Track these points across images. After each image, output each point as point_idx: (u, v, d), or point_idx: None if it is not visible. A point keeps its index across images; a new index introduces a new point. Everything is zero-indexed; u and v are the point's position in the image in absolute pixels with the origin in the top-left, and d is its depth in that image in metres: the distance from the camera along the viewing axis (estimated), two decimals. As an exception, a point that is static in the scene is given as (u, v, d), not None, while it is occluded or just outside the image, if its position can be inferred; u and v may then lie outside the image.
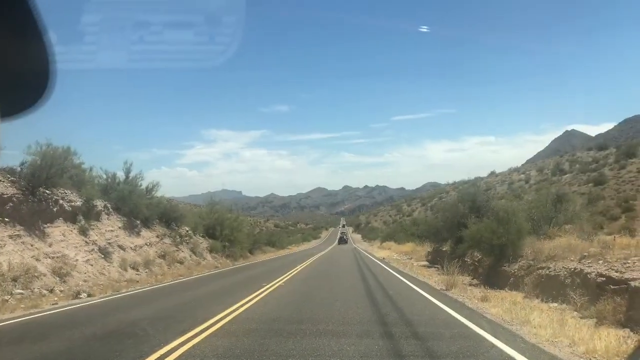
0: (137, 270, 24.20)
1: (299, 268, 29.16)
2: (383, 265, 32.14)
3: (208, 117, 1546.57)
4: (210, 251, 38.53)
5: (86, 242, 22.16)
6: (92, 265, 21.14)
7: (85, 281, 19.13)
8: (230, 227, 43.94)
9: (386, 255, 46.89)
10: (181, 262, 30.46)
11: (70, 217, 22.30)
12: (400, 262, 36.92)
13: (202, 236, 40.23)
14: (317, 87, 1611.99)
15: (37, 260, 17.95)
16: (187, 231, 36.74)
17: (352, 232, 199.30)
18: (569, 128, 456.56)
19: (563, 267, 14.87)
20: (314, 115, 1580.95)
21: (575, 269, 14.02)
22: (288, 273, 24.66)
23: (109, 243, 24.00)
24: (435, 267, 29.29)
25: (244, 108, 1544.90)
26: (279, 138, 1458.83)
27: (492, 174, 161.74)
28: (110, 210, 26.79)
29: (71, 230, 21.83)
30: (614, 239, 17.06)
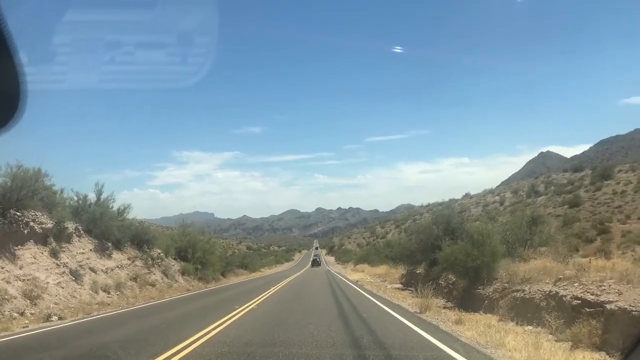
0: (109, 293, 23.81)
1: (272, 290, 28.94)
2: (356, 288, 32.01)
3: (180, 138, 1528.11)
4: (183, 274, 38.09)
5: (57, 264, 21.79)
6: (63, 287, 20.76)
7: (56, 304, 18.79)
8: (202, 249, 43.60)
9: (360, 278, 46.76)
10: (153, 285, 30.04)
11: (41, 239, 21.94)
12: (374, 284, 36.80)
13: (174, 258, 39.78)
14: (290, 109, 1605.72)
15: (8, 282, 17.61)
16: (159, 253, 36.29)
17: (326, 254, 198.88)
18: (544, 149, 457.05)
19: (538, 289, 14.95)
20: (287, 137, 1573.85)
21: (550, 291, 14.10)
22: (261, 296, 24.44)
23: (80, 265, 23.60)
24: (409, 290, 29.24)
25: (216, 129, 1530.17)
26: (251, 159, 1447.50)
27: (467, 195, 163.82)
28: (82, 232, 26.40)
29: (42, 253, 21.45)
30: (590, 262, 17.23)
